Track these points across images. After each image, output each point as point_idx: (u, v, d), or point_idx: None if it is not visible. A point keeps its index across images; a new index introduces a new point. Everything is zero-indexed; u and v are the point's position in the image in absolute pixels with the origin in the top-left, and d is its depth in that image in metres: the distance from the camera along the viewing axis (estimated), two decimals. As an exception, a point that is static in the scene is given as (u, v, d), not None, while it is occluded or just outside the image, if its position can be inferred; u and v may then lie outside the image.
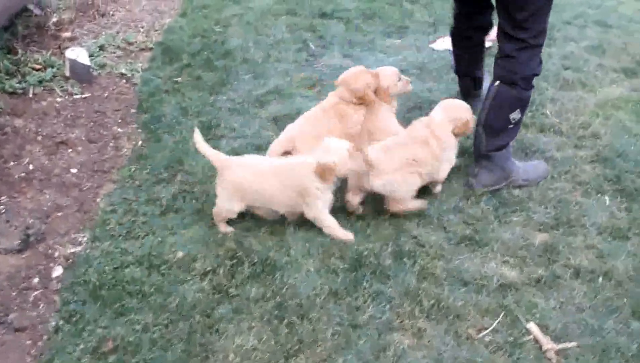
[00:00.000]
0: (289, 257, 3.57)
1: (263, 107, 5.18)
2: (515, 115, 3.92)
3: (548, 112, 4.97)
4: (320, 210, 3.69)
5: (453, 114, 3.99)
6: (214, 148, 4.40)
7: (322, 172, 3.57)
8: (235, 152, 4.52)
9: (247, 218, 3.90)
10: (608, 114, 4.93)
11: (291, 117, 4.88)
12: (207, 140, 4.57)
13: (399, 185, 3.79)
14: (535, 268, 3.52)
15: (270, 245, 3.69)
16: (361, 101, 4.14)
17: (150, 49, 6.31)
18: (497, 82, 3.90)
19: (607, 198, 4.08)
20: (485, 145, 4.03)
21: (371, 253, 3.59)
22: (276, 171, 3.71)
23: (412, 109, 4.97)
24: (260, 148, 4.58)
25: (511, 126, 3.97)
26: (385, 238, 3.71)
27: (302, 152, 3.91)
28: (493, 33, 4.40)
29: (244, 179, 3.70)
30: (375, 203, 3.97)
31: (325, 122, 4.11)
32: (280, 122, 4.89)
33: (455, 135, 3.98)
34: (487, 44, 4.98)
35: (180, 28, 6.78)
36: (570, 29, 6.48)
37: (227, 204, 3.76)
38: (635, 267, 3.52)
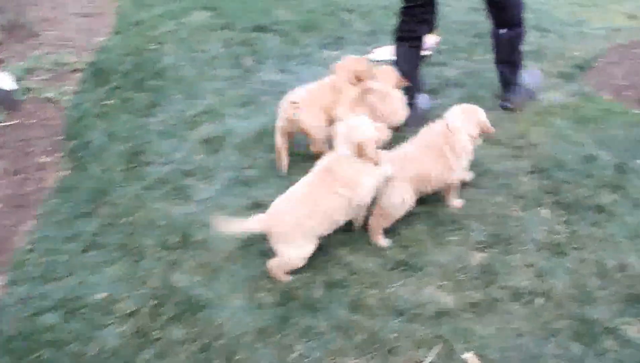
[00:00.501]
0: (215, 293, 3.39)
1: (194, 129, 5.00)
2: (521, 46, 4.89)
3: (487, 122, 4.84)
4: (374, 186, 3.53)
5: (474, 118, 3.89)
6: (141, 175, 4.23)
7: (361, 150, 3.42)
8: (164, 179, 4.33)
9: (174, 250, 3.70)
10: (546, 122, 4.84)
11: (223, 139, 4.71)
12: (134, 167, 4.42)
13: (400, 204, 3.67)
14: (472, 291, 3.39)
15: (196, 280, 3.49)
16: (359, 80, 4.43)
17: (82, 70, 6.05)
18: (505, 29, 4.78)
19: (546, 211, 3.96)
20: (511, 77, 4.96)
21: (301, 284, 3.42)
22: (318, 184, 3.47)
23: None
24: (190, 174, 4.39)
25: (520, 54, 4.93)
26: (316, 266, 3.54)
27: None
28: (428, 41, 4.79)
29: (297, 217, 3.38)
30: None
31: (323, 96, 4.42)
32: (210, 144, 4.71)
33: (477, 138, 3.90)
34: (426, 52, 5.05)
35: (113, 47, 6.57)
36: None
37: (301, 252, 3.44)
38: (574, 284, 3.41)
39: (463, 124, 3.84)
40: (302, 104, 4.31)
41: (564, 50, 6.04)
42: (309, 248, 3.43)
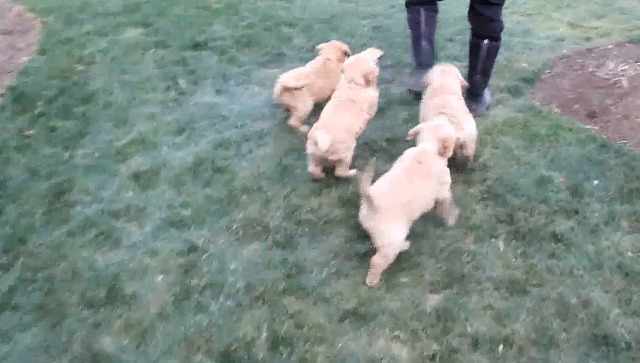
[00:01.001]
0: (147, 359, 3.04)
1: (124, 162, 4.63)
2: (496, 59, 5.08)
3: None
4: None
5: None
6: (64, 218, 3.88)
7: (445, 147, 3.74)
8: (89, 222, 3.96)
9: (100, 308, 3.34)
10: (496, 141, 4.63)
11: (155, 173, 4.37)
12: (57, 209, 4.04)
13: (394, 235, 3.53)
14: (428, 341, 3.13)
15: (125, 343, 3.15)
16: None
17: (1, 95, 5.62)
18: (487, 40, 4.90)
19: (501, 242, 3.73)
20: (482, 86, 5.07)
21: (242, 343, 3.11)
22: (413, 172, 3.62)
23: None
24: (118, 215, 4.04)
25: (493, 66, 5.09)
26: (258, 320, 3.24)
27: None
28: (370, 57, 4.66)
29: (403, 197, 3.50)
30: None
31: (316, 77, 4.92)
32: (141, 180, 4.36)
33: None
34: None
35: (37, 68, 6.16)
36: (453, 47, 6.19)
37: (402, 235, 3.50)
38: (536, 328, 3.18)
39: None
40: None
41: (511, 62, 5.84)
42: (405, 233, 3.52)
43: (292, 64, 5.90)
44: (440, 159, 3.77)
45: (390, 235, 3.46)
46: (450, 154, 3.79)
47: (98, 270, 3.65)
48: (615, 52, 6.03)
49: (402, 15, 7.19)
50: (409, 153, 3.76)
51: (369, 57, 4.55)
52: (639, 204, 3.95)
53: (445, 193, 3.78)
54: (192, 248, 3.75)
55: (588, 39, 6.48)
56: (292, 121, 4.92)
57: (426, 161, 3.68)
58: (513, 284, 3.42)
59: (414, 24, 5.29)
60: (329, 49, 5.16)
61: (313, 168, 4.26)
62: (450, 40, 6.35)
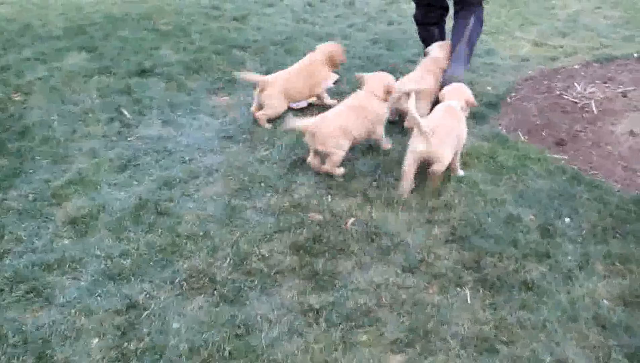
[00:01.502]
0: None
1: (61, 205, 4.24)
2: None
3: (392, 179, 4.31)
4: None
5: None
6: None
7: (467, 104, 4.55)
8: (19, 277, 3.59)
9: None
10: (459, 176, 4.33)
11: (94, 217, 4.00)
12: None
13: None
14: (390, 417, 2.79)
15: None
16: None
17: None
18: (473, 17, 5.29)
19: (468, 292, 3.43)
20: (469, 57, 5.35)
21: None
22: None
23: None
24: (52, 267, 3.69)
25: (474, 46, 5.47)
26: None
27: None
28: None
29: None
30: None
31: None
32: (79, 225, 3.99)
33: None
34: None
35: (-30, 99, 5.71)
36: (413, 68, 5.89)
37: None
38: (508, 393, 2.86)
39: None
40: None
41: (474, 85, 5.57)
42: None
43: (245, 91, 5.58)
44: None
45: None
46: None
47: (26, 333, 3.27)
48: (582, 73, 5.82)
49: (361, 35, 6.96)
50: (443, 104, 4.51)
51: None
52: (613, 244, 3.71)
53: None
54: (132, 305, 3.40)
55: (554, 58, 6.30)
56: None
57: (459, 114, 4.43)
58: (482, 341, 3.13)
59: (428, 38, 5.70)
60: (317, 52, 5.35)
61: (311, 159, 4.46)
62: (410, 61, 6.07)
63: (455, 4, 5.44)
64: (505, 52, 6.59)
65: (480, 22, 5.40)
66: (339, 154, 4.41)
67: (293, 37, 6.81)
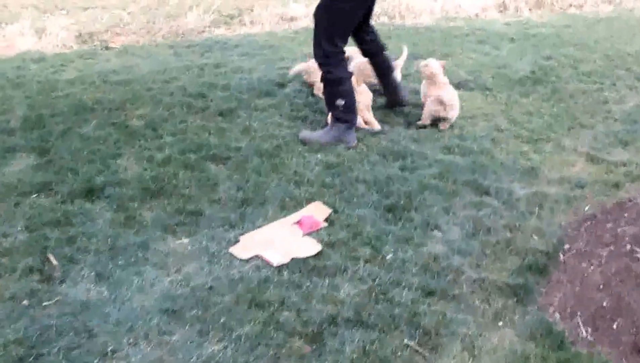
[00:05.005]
0: None
1: None
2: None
3: None
4: None
5: None
6: None
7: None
8: None
9: None
10: None
11: None
12: None
13: None
14: None
15: None
16: None
17: None
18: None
19: None
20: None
21: None
22: None
23: None
24: None
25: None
26: None
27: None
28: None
29: None
30: None
31: None
32: None
33: None
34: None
35: None
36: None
37: None
38: None
39: None
40: None
41: (515, 233, 4.18)
42: None
43: (212, 231, 4.23)
44: None
45: None
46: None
47: None
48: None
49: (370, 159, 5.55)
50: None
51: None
52: None
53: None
54: None
55: (616, 184, 4.88)
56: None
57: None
58: None
59: None
60: None
61: None
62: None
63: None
64: (553, 172, 5.17)
65: None
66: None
67: (283, 147, 5.45)
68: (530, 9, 11.71)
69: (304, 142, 5.49)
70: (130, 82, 7.30)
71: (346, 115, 5.43)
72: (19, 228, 4.42)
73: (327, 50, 5.30)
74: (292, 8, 11.40)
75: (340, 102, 5.38)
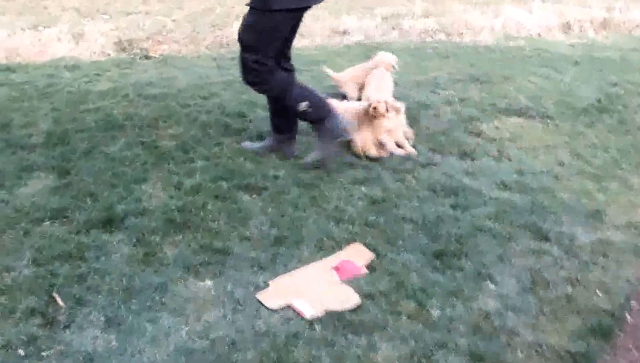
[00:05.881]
0: None
1: None
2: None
3: None
4: None
5: None
6: None
7: None
8: None
9: None
10: None
11: None
12: None
13: None
14: None
15: None
16: None
17: None
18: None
19: None
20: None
21: None
22: None
23: None
24: None
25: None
26: None
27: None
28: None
29: None
30: None
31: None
32: None
33: None
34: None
35: None
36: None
37: None
38: None
39: None
40: None
41: (576, 288, 3.66)
42: None
43: (239, 273, 3.75)
44: None
45: None
46: None
47: None
48: None
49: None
50: None
51: None
52: None
53: None
54: None
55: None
56: None
57: None
58: None
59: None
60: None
61: None
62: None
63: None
64: (619, 215, 4.61)
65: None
66: None
67: (326, 177, 4.97)
68: (595, 30, 11.06)
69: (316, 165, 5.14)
70: (166, 97, 6.89)
71: (319, 111, 5.05)
72: (25, 262, 3.99)
73: (255, 68, 4.88)
74: (345, 21, 10.94)
75: (304, 104, 4.95)
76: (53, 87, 7.28)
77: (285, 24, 4.90)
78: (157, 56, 8.62)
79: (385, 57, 6.89)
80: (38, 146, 5.65)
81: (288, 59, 5.19)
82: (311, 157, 5.14)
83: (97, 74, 7.85)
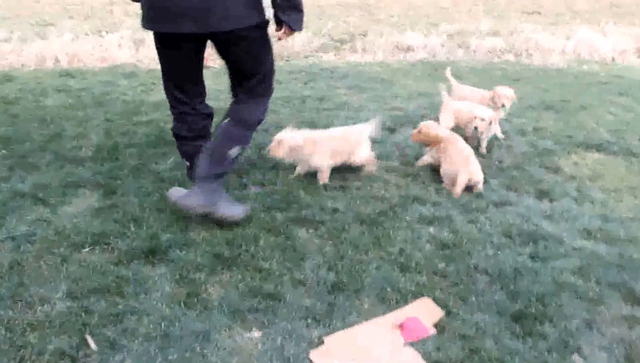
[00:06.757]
0: None
1: None
2: (234, 151, 4.32)
3: None
4: None
5: None
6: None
7: None
8: None
9: None
10: None
11: None
12: None
13: None
14: None
15: None
16: None
17: None
18: (228, 119, 4.39)
19: None
20: (206, 170, 4.28)
21: None
22: None
23: None
24: None
25: (231, 159, 4.34)
26: None
27: None
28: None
29: None
30: None
31: None
32: None
33: None
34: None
35: None
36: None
37: None
38: None
39: None
40: None
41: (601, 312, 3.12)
42: None
43: (290, 324, 3.33)
44: None
45: None
46: None
47: None
48: None
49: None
50: None
51: None
52: None
53: None
54: None
55: None
56: None
57: None
58: None
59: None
60: None
61: None
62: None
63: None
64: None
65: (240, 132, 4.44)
66: None
67: (391, 213, 4.52)
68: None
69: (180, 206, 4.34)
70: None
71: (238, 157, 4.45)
72: (60, 294, 3.64)
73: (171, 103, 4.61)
74: (409, 37, 10.48)
75: (235, 151, 4.36)
76: (108, 95, 7.03)
77: (162, 51, 4.43)
78: (215, 66, 8.25)
79: (504, 92, 6.36)
80: (87, 160, 5.35)
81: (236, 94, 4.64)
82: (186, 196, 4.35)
83: (154, 83, 7.57)
